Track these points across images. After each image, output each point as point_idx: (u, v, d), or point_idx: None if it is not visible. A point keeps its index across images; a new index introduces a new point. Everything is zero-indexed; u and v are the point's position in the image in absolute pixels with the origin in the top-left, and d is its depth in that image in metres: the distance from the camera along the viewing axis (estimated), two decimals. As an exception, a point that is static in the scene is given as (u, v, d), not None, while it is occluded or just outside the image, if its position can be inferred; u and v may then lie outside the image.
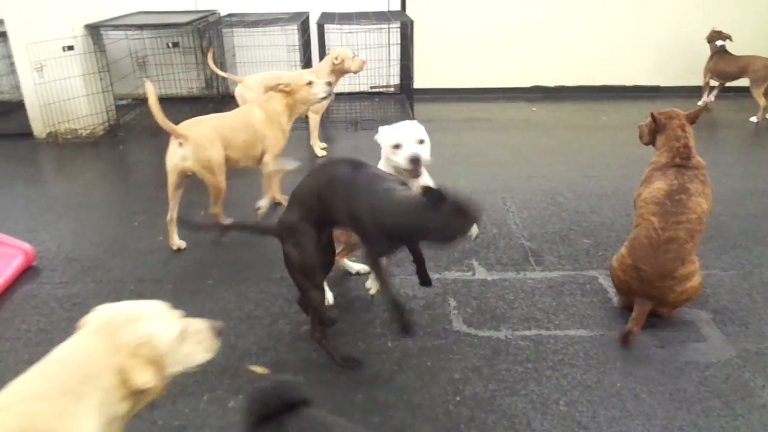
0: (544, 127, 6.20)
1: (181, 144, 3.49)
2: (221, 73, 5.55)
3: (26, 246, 3.47)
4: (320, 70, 5.14)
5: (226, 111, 3.99)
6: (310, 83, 3.83)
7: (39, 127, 5.90)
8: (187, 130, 3.50)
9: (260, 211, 4.06)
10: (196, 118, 3.73)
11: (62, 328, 2.90)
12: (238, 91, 4.99)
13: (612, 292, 3.04)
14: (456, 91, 7.34)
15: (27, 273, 3.40)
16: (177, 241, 3.69)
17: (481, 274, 3.30)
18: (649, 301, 2.67)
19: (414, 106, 6.47)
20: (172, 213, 3.64)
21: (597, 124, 6.30)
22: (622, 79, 7.34)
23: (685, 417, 2.23)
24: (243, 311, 3.01)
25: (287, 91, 3.82)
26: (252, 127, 3.76)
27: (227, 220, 3.68)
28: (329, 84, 3.94)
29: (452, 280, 3.23)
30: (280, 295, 3.11)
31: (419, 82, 6.79)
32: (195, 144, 3.49)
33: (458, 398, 2.36)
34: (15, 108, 6.33)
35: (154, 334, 1.43)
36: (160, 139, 5.88)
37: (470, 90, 7.36)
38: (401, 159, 2.79)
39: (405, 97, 6.67)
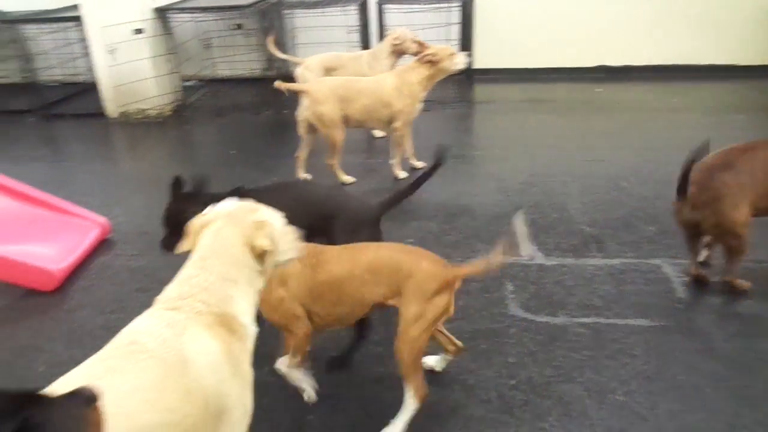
0: (608, 109, 6.00)
1: (304, 98, 4.12)
2: (281, 55, 5.63)
3: (102, 219, 3.67)
4: (380, 51, 5.14)
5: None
6: (452, 54, 4.10)
7: (111, 107, 6.18)
8: (308, 86, 4.13)
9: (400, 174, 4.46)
10: (326, 77, 4.35)
11: (134, 297, 3.07)
12: (299, 72, 5.07)
13: (677, 281, 2.95)
14: (517, 71, 7.18)
15: (102, 245, 3.61)
16: (344, 177, 4.32)
17: (540, 258, 3.26)
18: None
19: (474, 87, 6.39)
20: (301, 152, 4.37)
21: (666, 106, 6.04)
22: (695, 57, 6.95)
23: (751, 415, 2.16)
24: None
25: (434, 61, 4.05)
26: (379, 95, 4.10)
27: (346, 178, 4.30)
28: (468, 55, 4.15)
29: (510, 265, 3.20)
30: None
31: (479, 62, 6.71)
32: (311, 98, 4.06)
33: (513, 382, 2.37)
34: (89, 89, 6.64)
35: (268, 219, 1.66)
36: (224, 119, 6.07)
37: (531, 70, 7.19)
38: None
39: (465, 78, 6.59)
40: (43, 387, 2.13)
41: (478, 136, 5.67)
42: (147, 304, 3.00)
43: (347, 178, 4.35)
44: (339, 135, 4.16)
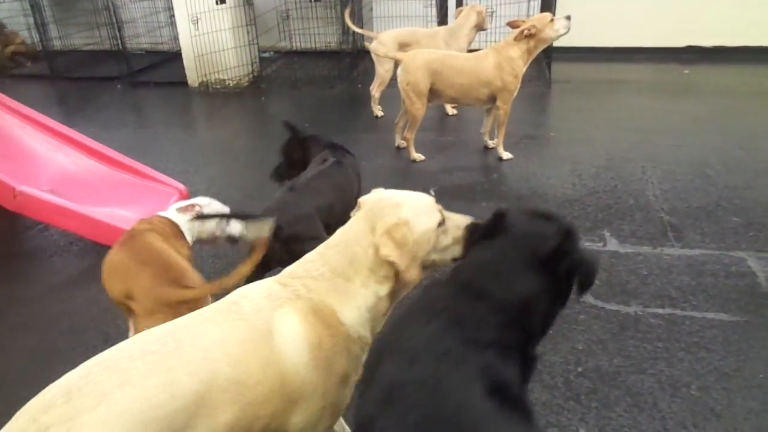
0: (696, 92, 5.68)
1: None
2: (357, 29, 5.64)
3: (181, 186, 3.83)
4: (459, 26, 5.06)
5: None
6: (551, 20, 3.99)
7: (193, 76, 6.39)
8: (404, 55, 4.19)
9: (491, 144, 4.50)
10: (426, 49, 4.36)
11: (210, 263, 3.20)
12: (373, 47, 5.07)
13: (763, 276, 2.80)
14: (599, 50, 6.90)
15: (181, 211, 3.77)
16: (415, 155, 4.35)
17: (613, 245, 3.16)
18: None
19: (552, 66, 6.18)
20: (399, 119, 4.47)
21: (760, 90, 5.66)
22: (796, 39, 6.47)
23: (838, 420, 2.04)
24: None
25: (533, 34, 3.96)
26: (477, 73, 4.05)
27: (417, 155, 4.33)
28: (568, 18, 4.02)
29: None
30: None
31: (559, 39, 6.45)
32: (403, 67, 4.11)
33: (580, 369, 2.32)
34: (173, 58, 6.90)
35: (408, 221, 1.49)
36: (299, 91, 6.16)
37: (615, 49, 6.88)
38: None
39: (542, 56, 6.37)
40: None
41: (554, 117, 5.50)
42: (220, 270, 3.14)
43: (418, 156, 4.34)
44: (420, 109, 4.15)
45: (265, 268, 2.36)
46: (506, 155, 4.31)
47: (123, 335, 2.66)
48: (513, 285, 1.33)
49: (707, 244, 3.11)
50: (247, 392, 1.33)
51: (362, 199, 1.61)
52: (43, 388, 2.35)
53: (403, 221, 1.48)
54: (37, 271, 3.28)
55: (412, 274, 1.49)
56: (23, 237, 3.61)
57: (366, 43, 4.51)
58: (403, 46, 4.97)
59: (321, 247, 1.56)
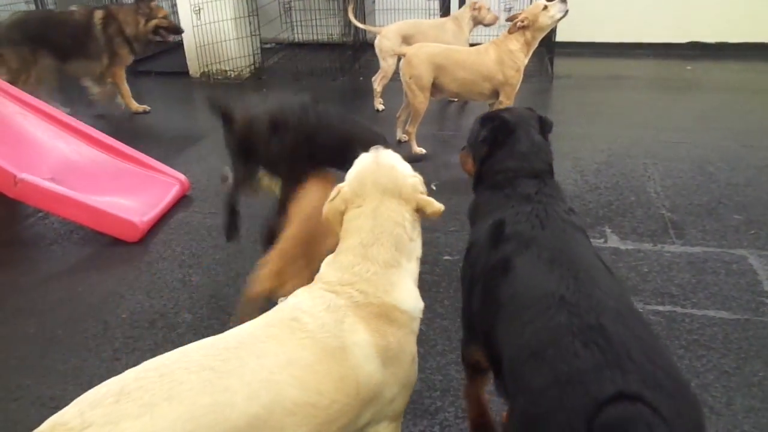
0: (699, 88, 5.67)
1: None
2: (360, 25, 5.60)
3: (182, 177, 3.83)
4: (462, 18, 5.05)
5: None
6: (545, 7, 3.92)
7: (194, 66, 6.37)
8: (407, 49, 4.19)
9: None
10: (430, 43, 4.35)
11: (210, 254, 3.19)
12: (377, 41, 5.05)
13: (764, 274, 2.80)
14: (601, 45, 6.89)
15: (182, 201, 3.76)
16: (416, 149, 4.34)
17: (614, 242, 3.16)
18: None
19: (554, 61, 6.16)
20: (401, 112, 4.46)
21: (763, 87, 5.65)
22: (800, 37, 6.46)
23: (837, 418, 2.04)
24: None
25: (526, 26, 3.94)
26: (479, 67, 4.03)
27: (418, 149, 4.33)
28: (564, 1, 3.95)
29: (582, 245, 3.12)
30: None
31: (561, 35, 6.42)
32: (406, 60, 4.10)
33: (580, 365, 2.32)
34: (174, 48, 6.86)
35: (418, 180, 1.61)
36: (301, 83, 6.14)
37: (617, 45, 6.87)
38: None
39: (545, 51, 6.36)
40: (125, 335, 2.26)
41: (556, 112, 5.48)
42: (222, 261, 3.14)
43: (419, 150, 4.33)
44: (422, 103, 4.14)
45: None
46: None
47: (122, 324, 2.68)
48: (546, 156, 1.87)
49: (708, 242, 3.11)
50: (319, 413, 1.30)
51: (346, 187, 1.59)
52: (42, 374, 2.37)
53: (412, 175, 1.60)
54: (37, 258, 3.28)
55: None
56: (23, 224, 3.60)
57: (372, 37, 4.51)
58: (406, 39, 4.95)
59: (357, 248, 1.52)
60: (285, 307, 1.46)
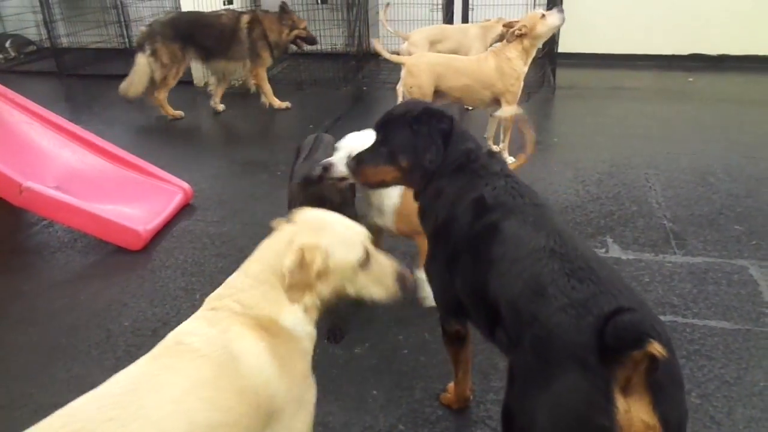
0: (700, 100, 5.69)
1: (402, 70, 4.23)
2: (391, 30, 5.58)
3: (185, 185, 3.85)
4: (489, 27, 5.18)
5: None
6: (543, 16, 3.97)
7: (198, 76, 6.42)
8: (407, 59, 4.21)
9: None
10: (428, 53, 4.38)
11: (213, 262, 3.21)
12: (404, 47, 5.06)
13: (765, 285, 2.80)
14: (603, 56, 6.93)
15: (185, 210, 3.78)
16: None
17: (615, 252, 3.17)
18: None
19: (556, 72, 6.20)
20: None
21: (764, 99, 5.67)
22: (801, 49, 6.49)
23: (837, 429, 2.04)
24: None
25: (524, 33, 3.97)
26: (479, 76, 4.06)
27: None
28: (561, 11, 4.01)
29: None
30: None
31: (563, 46, 6.47)
32: (406, 70, 4.14)
33: (581, 375, 2.32)
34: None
35: (322, 247, 1.48)
36: (304, 92, 6.17)
37: (619, 56, 6.91)
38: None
39: (547, 62, 6.40)
40: (128, 342, 2.27)
41: (558, 123, 5.52)
42: (225, 269, 3.14)
43: None
44: None
45: None
46: (511, 160, 4.31)
47: (125, 333, 2.69)
48: None
49: (709, 252, 3.12)
50: (231, 430, 1.28)
51: (295, 215, 1.59)
52: (45, 383, 2.38)
53: (316, 246, 1.47)
54: (41, 266, 3.30)
55: (296, 298, 1.48)
56: (27, 233, 3.63)
57: (375, 46, 4.51)
58: (434, 44, 5.03)
59: (243, 264, 1.54)
60: (168, 336, 1.42)
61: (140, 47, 5.41)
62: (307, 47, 5.85)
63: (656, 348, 1.15)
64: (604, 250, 3.18)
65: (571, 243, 1.50)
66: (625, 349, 1.19)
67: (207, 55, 5.49)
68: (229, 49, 5.47)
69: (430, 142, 1.82)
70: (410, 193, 2.01)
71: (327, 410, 2.21)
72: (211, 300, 1.50)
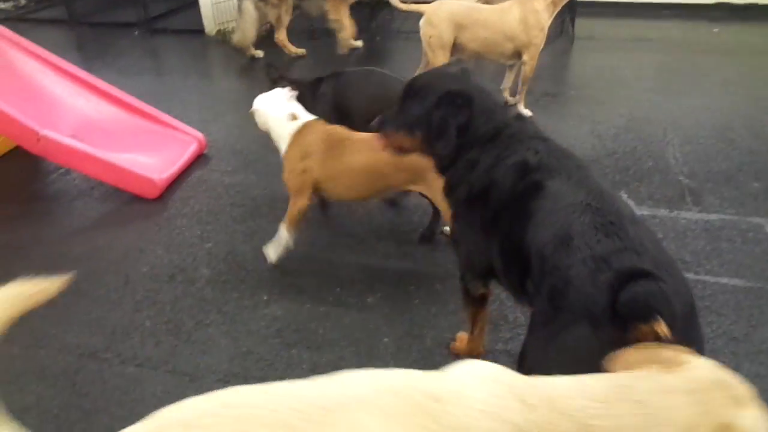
0: (725, 52, 5.52)
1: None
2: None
3: (200, 135, 3.85)
4: None
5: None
6: None
7: (210, 24, 6.31)
8: (427, 7, 4.08)
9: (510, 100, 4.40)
10: (450, 1, 4.13)
11: (227, 211, 3.24)
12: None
13: (779, 243, 2.79)
14: (624, 5, 6.70)
15: (199, 159, 3.80)
16: None
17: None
18: None
19: (575, 22, 6.02)
20: (418, 71, 4.25)
21: (792, 53, 5.50)
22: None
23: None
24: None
25: None
26: (501, 27, 3.95)
27: None
28: None
29: (597, 210, 3.12)
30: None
31: (585, -6, 6.28)
32: (425, 19, 4.05)
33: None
34: (190, 5, 6.80)
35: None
36: (317, 41, 6.07)
37: (641, 5, 6.68)
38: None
39: (566, 11, 6.18)
40: (146, 288, 2.32)
41: (575, 75, 5.40)
42: (238, 219, 3.19)
43: None
44: (443, 62, 4.05)
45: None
46: (526, 112, 4.26)
47: (143, 278, 2.75)
48: None
49: (725, 209, 3.10)
50: None
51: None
52: (67, 324, 2.46)
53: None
54: (60, 213, 3.36)
55: None
56: (45, 180, 3.67)
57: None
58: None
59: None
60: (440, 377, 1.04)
61: None
62: None
63: (661, 329, 1.15)
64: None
65: (608, 200, 1.50)
66: (633, 320, 1.20)
67: None
68: None
69: (443, 131, 1.78)
70: (294, 152, 2.37)
71: (339, 355, 2.27)
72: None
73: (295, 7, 5.67)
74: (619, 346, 1.17)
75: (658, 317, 1.16)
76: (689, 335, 1.27)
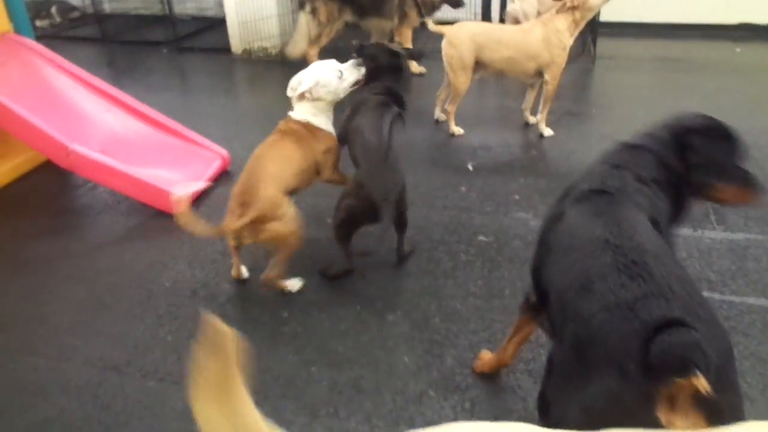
0: (748, 72, 5.48)
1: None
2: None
3: (224, 152, 3.91)
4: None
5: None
6: None
7: (236, 43, 6.44)
8: (448, 29, 4.11)
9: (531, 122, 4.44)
10: (468, 22, 4.28)
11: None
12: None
13: (806, 264, 2.74)
14: (646, 26, 6.68)
15: (222, 176, 3.85)
16: (455, 128, 4.32)
17: (653, 226, 3.12)
18: None
19: (597, 42, 6.02)
20: (441, 91, 4.44)
21: (817, 73, 5.43)
22: None
23: None
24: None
25: (576, 6, 3.90)
26: (524, 46, 3.99)
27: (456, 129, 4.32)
28: None
29: (619, 230, 3.10)
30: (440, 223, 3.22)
31: (605, 14, 6.26)
32: (446, 40, 4.07)
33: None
34: (217, 24, 6.95)
35: None
36: (341, 59, 6.12)
37: (663, 25, 6.66)
38: (350, 73, 2.97)
39: (588, 31, 6.18)
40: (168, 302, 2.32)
41: (597, 94, 5.39)
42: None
43: (457, 130, 4.32)
44: (464, 82, 4.12)
45: (355, 226, 2.68)
46: (548, 132, 4.25)
47: (166, 293, 2.79)
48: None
49: (751, 228, 3.05)
50: None
51: None
52: (91, 337, 2.50)
53: None
54: (87, 227, 3.42)
55: None
56: (73, 194, 3.75)
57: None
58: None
59: None
60: None
61: (301, 6, 5.62)
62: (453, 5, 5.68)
63: (701, 383, 1.07)
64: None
65: (629, 233, 1.42)
66: (668, 373, 1.12)
67: (362, 12, 5.60)
68: (381, 6, 5.52)
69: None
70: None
71: (359, 374, 2.27)
72: None
73: (354, 25, 5.79)
74: (650, 402, 1.13)
75: (696, 370, 1.08)
76: (725, 386, 1.18)
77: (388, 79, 3.03)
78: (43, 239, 3.27)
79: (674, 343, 1.14)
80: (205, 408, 0.88)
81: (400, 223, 2.79)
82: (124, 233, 3.35)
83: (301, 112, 2.87)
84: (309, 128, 2.85)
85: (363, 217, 2.58)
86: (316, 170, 2.89)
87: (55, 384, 2.30)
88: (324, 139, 2.87)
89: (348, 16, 5.65)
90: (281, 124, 2.89)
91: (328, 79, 2.83)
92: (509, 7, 5.31)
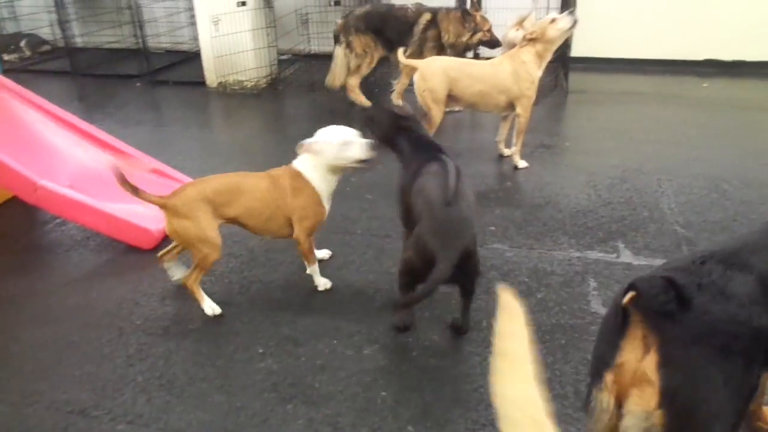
0: (714, 106, 5.65)
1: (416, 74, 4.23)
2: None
3: (198, 186, 3.86)
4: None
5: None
6: (553, 20, 3.97)
7: (211, 77, 6.45)
8: (420, 63, 4.23)
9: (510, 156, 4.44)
10: (440, 56, 4.38)
11: (223, 262, 3.22)
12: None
13: (777, 293, 2.77)
14: (616, 61, 6.88)
15: (197, 210, 3.79)
16: None
17: (627, 257, 3.15)
18: None
19: (569, 76, 6.17)
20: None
21: (779, 106, 5.62)
22: (817, 55, 6.42)
23: None
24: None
25: (534, 38, 3.98)
26: (494, 80, 4.07)
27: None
28: (571, 13, 4.04)
29: (594, 260, 3.12)
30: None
31: (576, 49, 6.44)
32: (419, 74, 4.15)
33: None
34: (192, 58, 6.97)
35: None
36: (316, 94, 6.19)
37: (633, 61, 6.86)
38: (357, 150, 2.78)
39: (559, 66, 6.35)
40: (139, 341, 2.28)
41: (570, 127, 5.50)
42: (234, 269, 3.16)
43: None
44: (438, 115, 4.19)
45: (414, 279, 2.40)
46: (522, 163, 4.31)
47: (136, 331, 2.71)
48: None
49: None
50: None
51: None
52: (57, 380, 2.40)
53: None
54: (54, 264, 3.33)
55: None
56: (41, 230, 3.66)
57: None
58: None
59: None
60: None
61: (336, 40, 5.77)
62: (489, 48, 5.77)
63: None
64: (615, 255, 3.17)
65: None
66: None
67: (391, 46, 5.60)
68: (405, 42, 5.54)
69: None
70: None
71: (336, 411, 2.22)
72: None
73: (384, 59, 5.84)
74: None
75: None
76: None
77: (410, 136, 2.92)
78: (8, 278, 3.17)
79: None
80: (508, 388, 0.91)
81: (465, 286, 2.47)
82: (94, 270, 3.27)
83: (300, 161, 2.83)
84: (296, 179, 2.78)
85: (422, 271, 2.31)
86: (288, 224, 2.83)
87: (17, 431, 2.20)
88: (306, 196, 2.78)
89: (381, 49, 5.73)
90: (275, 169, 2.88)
91: (329, 142, 2.75)
92: (507, 33, 5.43)
